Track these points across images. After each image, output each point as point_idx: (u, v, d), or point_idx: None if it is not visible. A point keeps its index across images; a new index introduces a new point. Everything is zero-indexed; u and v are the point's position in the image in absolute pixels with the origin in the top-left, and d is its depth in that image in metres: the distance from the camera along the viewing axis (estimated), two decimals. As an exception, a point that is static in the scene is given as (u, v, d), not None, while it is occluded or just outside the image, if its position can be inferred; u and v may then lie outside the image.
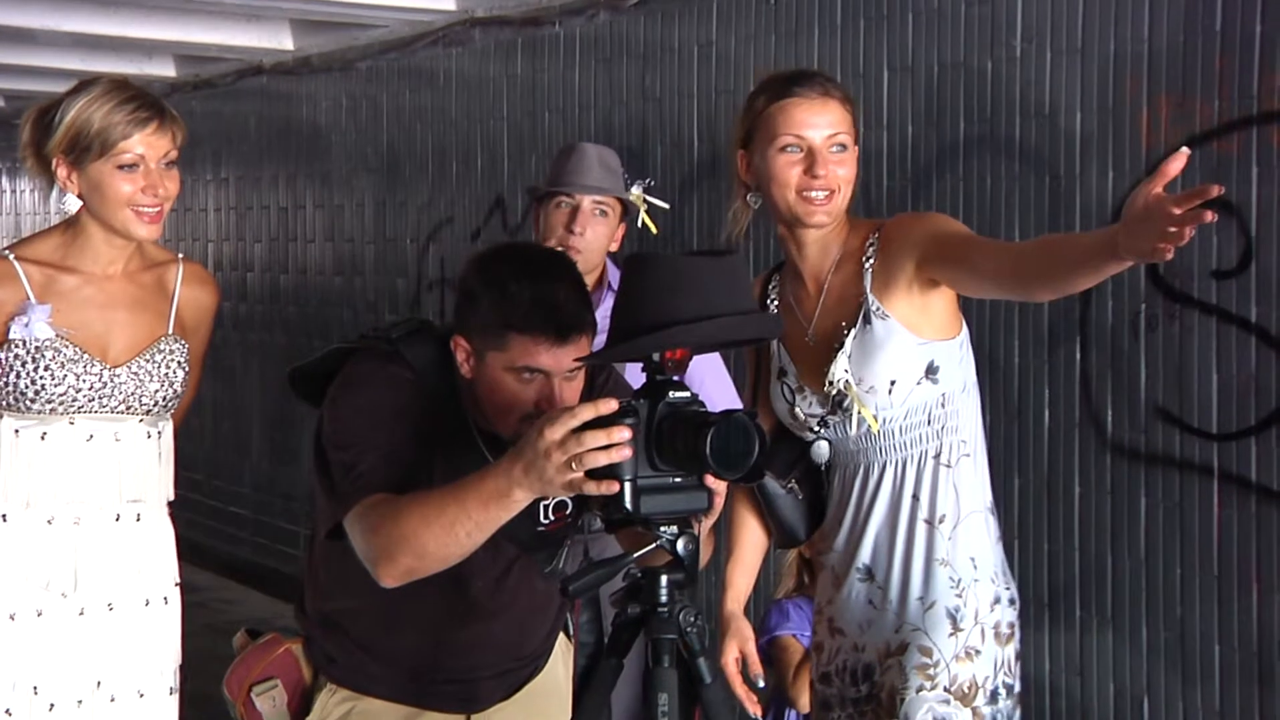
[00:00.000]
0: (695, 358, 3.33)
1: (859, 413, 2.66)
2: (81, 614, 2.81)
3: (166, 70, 7.96)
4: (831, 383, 2.67)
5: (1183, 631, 3.83)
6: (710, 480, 2.20)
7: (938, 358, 2.67)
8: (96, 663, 2.82)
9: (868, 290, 2.66)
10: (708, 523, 2.30)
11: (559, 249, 3.33)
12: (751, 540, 2.92)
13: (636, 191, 3.57)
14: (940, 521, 2.66)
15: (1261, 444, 3.66)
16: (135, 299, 2.85)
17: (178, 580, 2.96)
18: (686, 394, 2.22)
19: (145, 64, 7.81)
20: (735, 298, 2.28)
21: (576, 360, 2.42)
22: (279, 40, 7.11)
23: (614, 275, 3.47)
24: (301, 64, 7.25)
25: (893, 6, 4.51)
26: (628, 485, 2.17)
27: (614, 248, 3.51)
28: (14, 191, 10.72)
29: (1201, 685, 3.79)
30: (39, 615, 2.78)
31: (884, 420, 2.67)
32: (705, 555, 2.34)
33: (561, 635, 2.85)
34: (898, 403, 2.66)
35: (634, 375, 2.58)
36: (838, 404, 2.69)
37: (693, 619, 2.26)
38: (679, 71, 5.25)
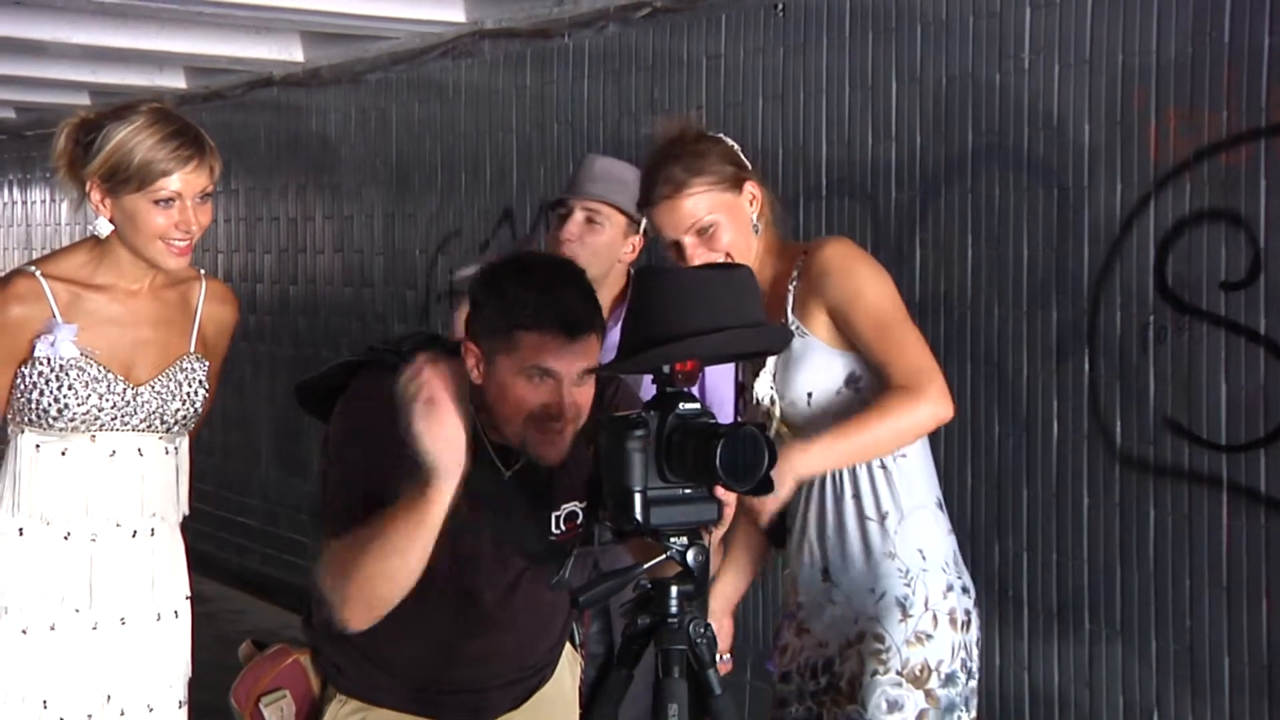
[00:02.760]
0: (715, 380, 3.36)
1: (777, 431, 2.75)
2: (95, 628, 2.81)
3: (177, 82, 7.98)
4: (758, 400, 2.77)
5: (1192, 644, 3.82)
6: (721, 492, 2.21)
7: (859, 368, 2.74)
8: (107, 677, 2.82)
9: (789, 312, 2.74)
10: (717, 534, 2.31)
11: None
12: (741, 545, 2.97)
13: None
14: (884, 519, 2.75)
15: (1271, 455, 3.65)
16: (160, 316, 2.85)
17: (189, 594, 2.96)
18: (696, 405, 2.23)
19: (155, 75, 7.84)
20: (744, 310, 2.30)
21: (587, 370, 2.44)
22: (289, 52, 7.13)
23: None
24: (311, 76, 7.27)
25: (901, 18, 4.52)
26: (638, 496, 2.18)
27: (626, 257, 3.47)
28: (26, 203, 10.75)
29: (1211, 698, 3.78)
30: (52, 629, 2.78)
31: (810, 430, 2.73)
32: (715, 564, 2.35)
33: (568, 645, 2.86)
34: (818, 412, 2.73)
35: (645, 386, 2.59)
36: (767, 417, 2.78)
37: (702, 630, 2.27)
38: (688, 83, 5.26)
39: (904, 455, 2.76)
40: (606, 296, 3.44)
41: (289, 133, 7.64)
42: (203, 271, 2.97)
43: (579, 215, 3.42)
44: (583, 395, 2.44)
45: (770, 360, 2.75)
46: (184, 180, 2.71)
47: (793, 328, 2.72)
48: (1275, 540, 3.66)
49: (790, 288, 2.76)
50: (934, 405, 2.66)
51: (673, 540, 2.24)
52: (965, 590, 2.79)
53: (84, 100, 8.69)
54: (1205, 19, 3.75)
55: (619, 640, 2.49)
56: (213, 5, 5.96)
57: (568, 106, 5.81)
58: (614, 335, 3.37)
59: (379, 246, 6.99)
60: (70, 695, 2.80)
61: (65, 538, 2.78)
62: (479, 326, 2.44)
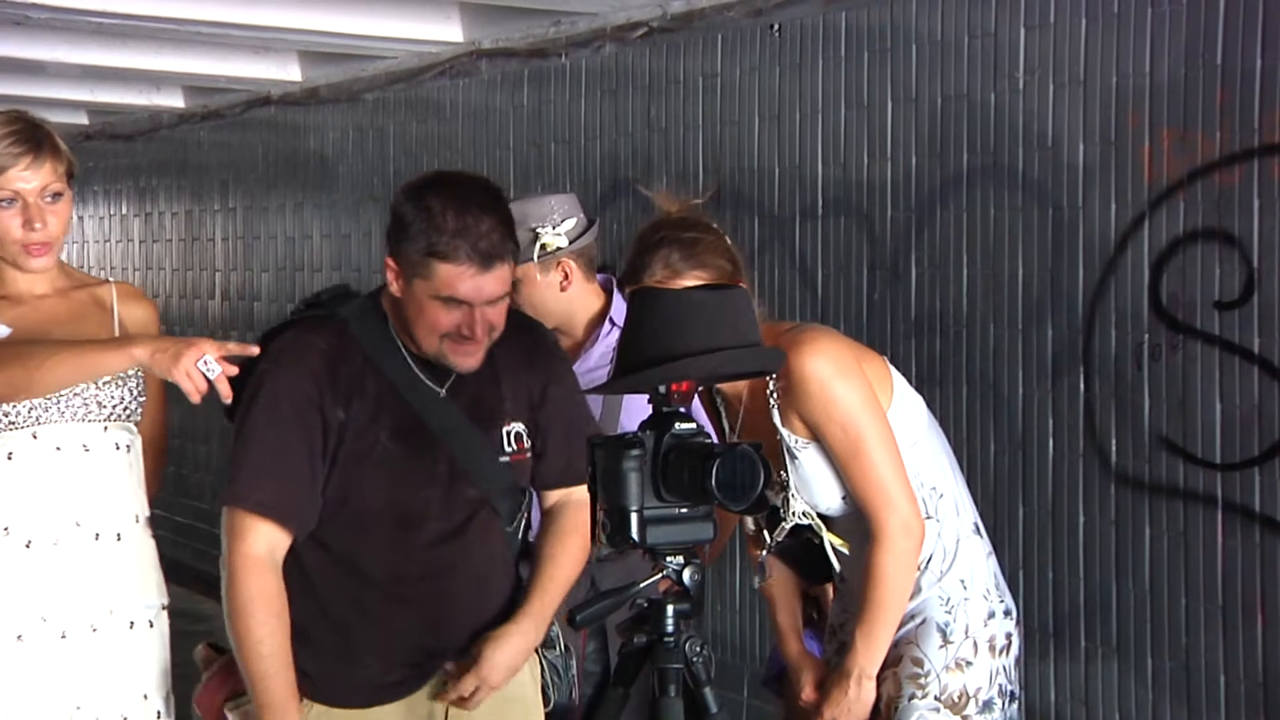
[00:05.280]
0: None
1: (830, 543, 2.75)
2: (64, 637, 2.75)
3: (175, 101, 8.00)
4: (794, 515, 2.75)
5: (1188, 662, 3.83)
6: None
7: None
8: (77, 687, 2.76)
9: (779, 426, 2.72)
10: (713, 551, 2.32)
11: None
12: (783, 583, 2.97)
13: (547, 239, 3.47)
14: (928, 563, 2.75)
15: (1265, 474, 3.67)
16: (72, 313, 2.84)
17: (165, 603, 2.90)
18: (692, 425, 2.24)
19: (154, 95, 7.85)
20: (739, 331, 2.31)
21: (499, 295, 2.53)
22: (287, 71, 7.15)
23: (617, 309, 3.46)
24: (309, 95, 7.29)
25: (896, 38, 4.54)
26: (634, 516, 2.20)
27: (565, 286, 3.46)
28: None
29: (1207, 715, 3.79)
30: (19, 639, 2.72)
31: (846, 514, 2.75)
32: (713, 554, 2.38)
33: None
34: (853, 504, 2.73)
35: (640, 406, 2.60)
36: (803, 526, 2.77)
37: (699, 649, 2.28)
38: (684, 102, 5.28)
39: (941, 495, 2.78)
40: (579, 323, 3.44)
41: (287, 151, 7.66)
42: (110, 279, 2.98)
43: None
44: (494, 314, 2.55)
45: (790, 481, 2.73)
46: (20, 177, 2.71)
47: (791, 444, 2.71)
48: (1269, 558, 3.67)
49: (773, 402, 2.72)
50: (905, 539, 2.67)
51: (669, 559, 2.25)
52: (1007, 613, 2.80)
53: (82, 120, 8.71)
54: (1198, 41, 3.77)
55: (615, 659, 2.50)
56: (211, 25, 5.97)
57: (565, 126, 5.83)
58: (593, 354, 3.38)
59: (376, 265, 7.00)
60: (38, 707, 2.73)
61: (27, 546, 2.73)
62: (399, 245, 2.54)
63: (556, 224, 3.45)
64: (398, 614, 2.65)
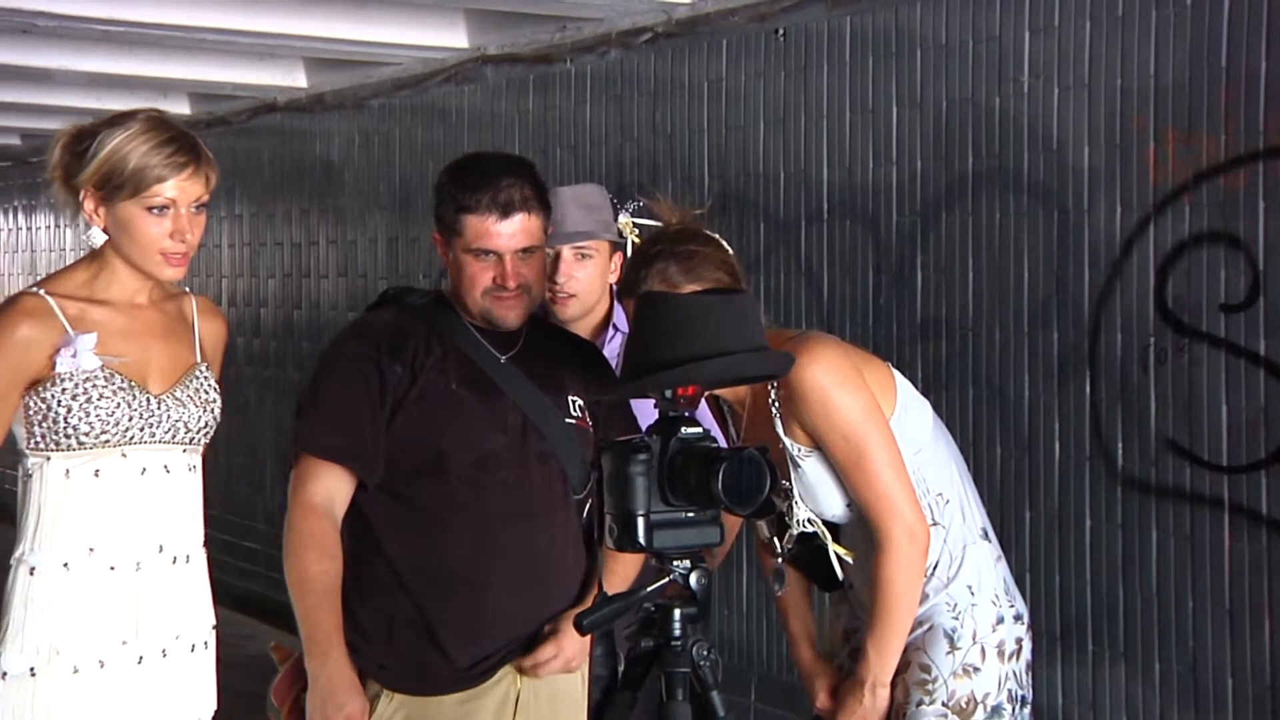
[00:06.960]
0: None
1: (833, 550, 2.76)
2: (140, 662, 2.72)
3: (181, 108, 8.02)
4: (798, 522, 2.76)
5: (1195, 665, 3.83)
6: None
7: None
8: (151, 712, 2.74)
9: (782, 435, 2.72)
10: (720, 555, 2.33)
11: (550, 296, 3.37)
12: (795, 591, 2.98)
13: (624, 219, 3.54)
14: (934, 569, 2.75)
15: (1272, 476, 3.66)
16: (165, 328, 2.82)
17: (214, 623, 2.89)
18: (699, 429, 2.25)
19: (160, 102, 7.84)
20: (746, 335, 2.31)
21: (528, 247, 2.75)
22: (293, 78, 7.17)
23: (619, 315, 3.46)
24: (315, 101, 7.31)
25: (901, 42, 4.55)
26: (640, 520, 2.20)
27: (612, 278, 3.48)
28: (30, 229, 10.79)
29: (1215, 719, 3.78)
30: (101, 665, 2.69)
31: (852, 521, 2.76)
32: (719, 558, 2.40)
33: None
34: (858, 511, 2.74)
35: (646, 410, 2.61)
36: (808, 532, 2.78)
37: (706, 653, 2.28)
38: (689, 107, 5.29)
39: (949, 501, 2.78)
40: (593, 320, 3.45)
41: (293, 158, 7.68)
42: (187, 289, 2.97)
43: (569, 256, 3.38)
44: (526, 269, 2.77)
45: (794, 488, 2.74)
46: (178, 187, 2.69)
47: (794, 453, 2.71)
48: (1277, 560, 3.66)
49: (775, 411, 2.72)
50: (911, 546, 2.67)
51: (676, 563, 2.25)
52: (1017, 618, 2.80)
53: (89, 127, 8.73)
54: (1203, 43, 3.77)
55: (622, 663, 2.50)
56: (217, 32, 5.99)
57: (570, 131, 5.84)
58: None
59: (382, 271, 7.02)
60: None
61: (111, 569, 2.70)
62: (439, 213, 2.82)
63: (641, 212, 3.52)
64: (476, 579, 2.72)
